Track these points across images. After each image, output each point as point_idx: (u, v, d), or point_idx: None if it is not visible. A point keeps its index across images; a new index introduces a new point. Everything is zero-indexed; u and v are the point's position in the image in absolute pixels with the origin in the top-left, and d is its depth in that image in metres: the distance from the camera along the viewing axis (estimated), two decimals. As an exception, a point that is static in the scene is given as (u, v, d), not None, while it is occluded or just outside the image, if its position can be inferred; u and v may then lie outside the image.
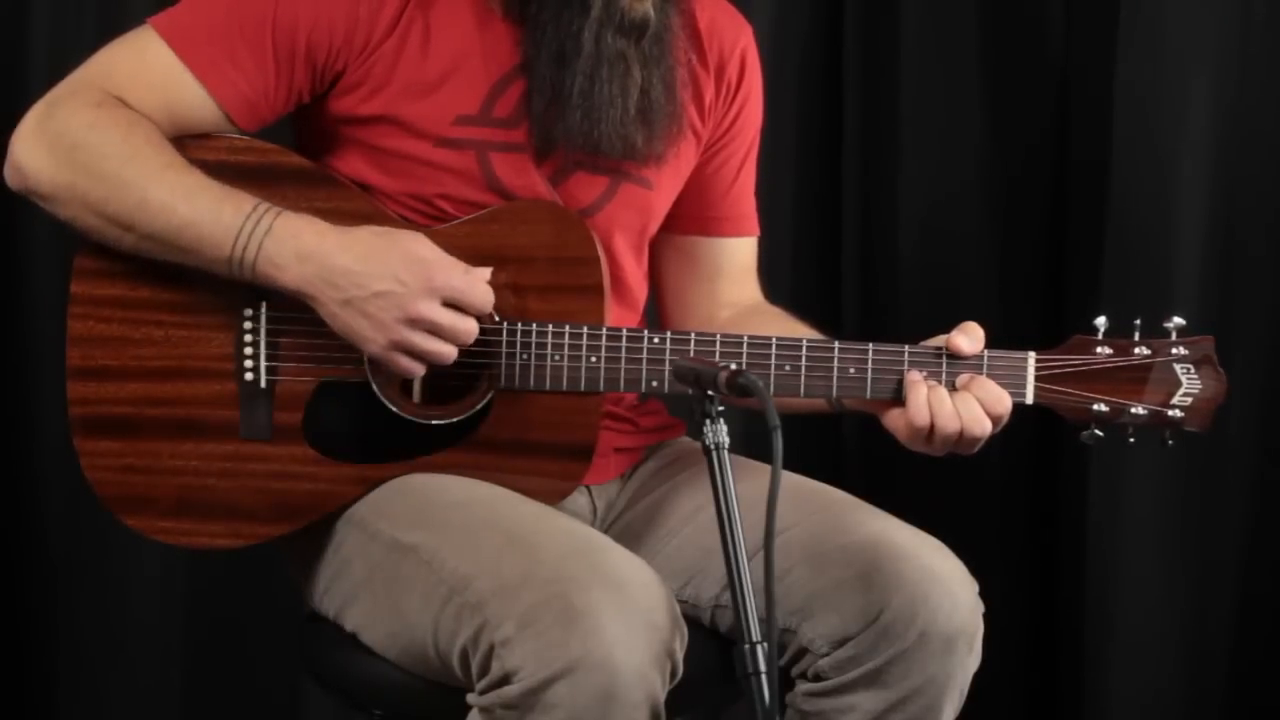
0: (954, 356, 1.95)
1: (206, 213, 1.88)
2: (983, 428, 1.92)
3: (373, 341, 1.89)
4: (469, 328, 1.90)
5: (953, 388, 1.94)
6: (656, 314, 2.22)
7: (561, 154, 2.00)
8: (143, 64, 1.95)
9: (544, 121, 1.98)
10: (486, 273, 1.92)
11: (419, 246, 1.90)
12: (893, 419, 1.96)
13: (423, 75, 1.97)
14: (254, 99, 1.95)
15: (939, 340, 1.96)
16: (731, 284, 2.20)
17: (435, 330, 1.89)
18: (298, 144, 2.03)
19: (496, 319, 1.95)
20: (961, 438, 1.92)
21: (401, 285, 1.88)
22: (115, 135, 1.89)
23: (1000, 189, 2.89)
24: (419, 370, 1.91)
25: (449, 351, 1.90)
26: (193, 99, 1.94)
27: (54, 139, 1.90)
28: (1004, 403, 1.93)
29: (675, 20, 2.03)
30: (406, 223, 1.97)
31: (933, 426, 1.91)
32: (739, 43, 2.14)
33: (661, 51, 2.01)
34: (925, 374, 1.94)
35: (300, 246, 1.88)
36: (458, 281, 1.90)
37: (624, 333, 1.95)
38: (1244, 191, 2.78)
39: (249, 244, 1.88)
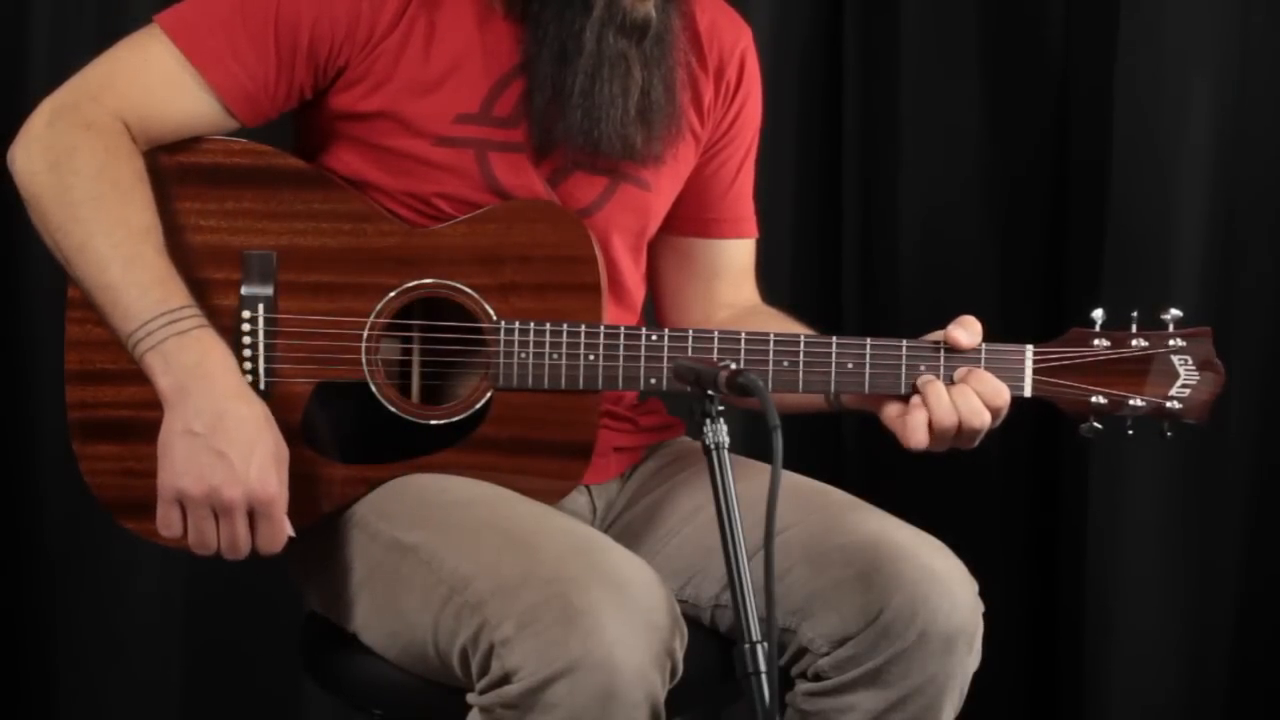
0: (952, 350, 1.95)
1: (134, 287, 1.86)
2: (981, 420, 1.92)
3: (169, 477, 1.84)
4: (242, 549, 1.87)
5: (950, 381, 1.94)
6: (654, 315, 2.22)
7: (560, 154, 2.00)
8: (145, 63, 1.95)
9: (544, 120, 1.98)
10: (288, 533, 1.88)
11: (277, 459, 1.86)
12: (890, 416, 1.96)
13: (424, 73, 1.97)
14: (255, 92, 1.95)
15: (937, 335, 1.96)
16: (729, 285, 2.20)
17: (221, 520, 1.85)
18: (298, 141, 2.04)
19: (495, 318, 1.95)
20: (960, 431, 1.92)
21: (243, 467, 1.84)
22: (90, 170, 1.88)
23: (1000, 189, 2.89)
24: (170, 532, 1.87)
25: (210, 544, 1.86)
26: (194, 94, 1.94)
27: (44, 148, 1.91)
28: (1002, 395, 1.93)
29: (676, 22, 2.03)
30: (403, 222, 1.97)
31: (930, 421, 1.91)
32: (739, 45, 2.14)
33: (662, 53, 2.01)
34: (924, 368, 1.94)
35: (200, 364, 1.85)
36: (279, 509, 1.86)
37: (622, 330, 1.96)
38: (1244, 191, 2.78)
39: (156, 332, 1.85)
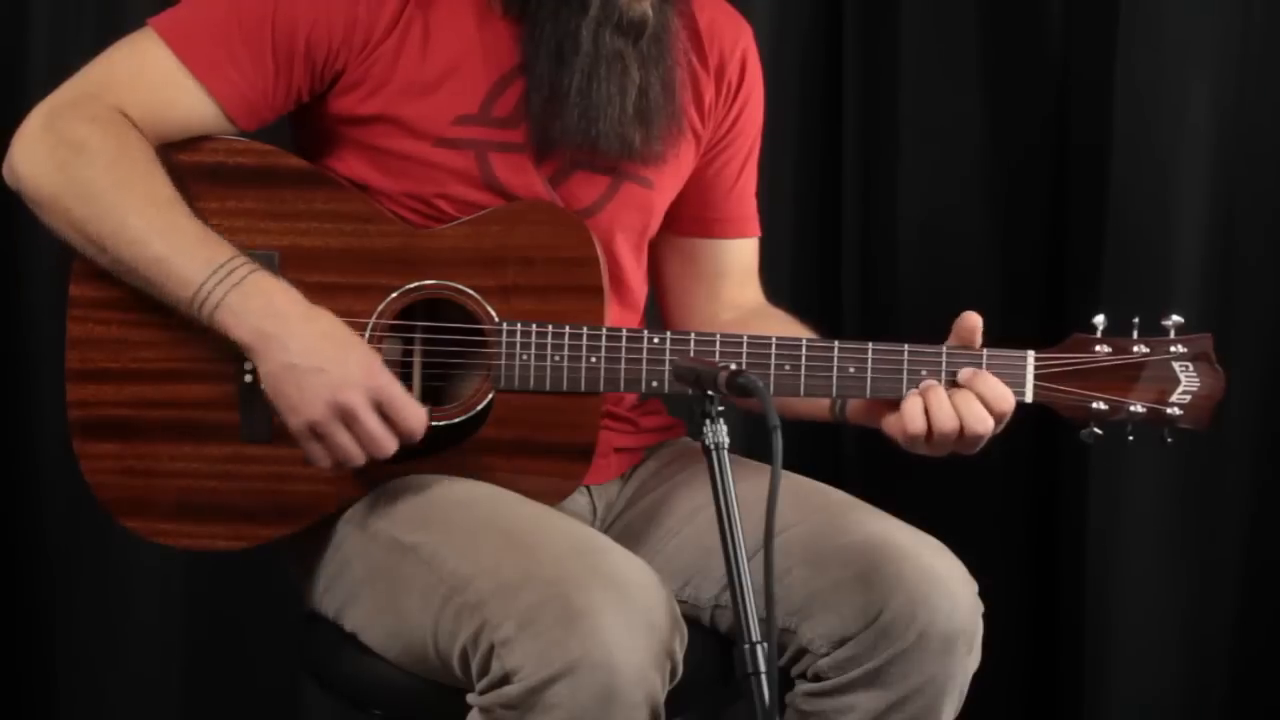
0: (957, 351, 1.94)
1: (180, 253, 1.88)
2: (985, 426, 1.91)
3: (295, 413, 1.88)
4: (386, 445, 1.89)
5: (953, 384, 1.94)
6: (659, 316, 2.22)
7: (561, 154, 2.00)
8: (142, 66, 1.95)
9: (542, 120, 1.98)
10: (425, 411, 1.90)
11: (373, 355, 1.90)
12: (890, 425, 1.96)
13: (422, 75, 1.97)
14: (253, 98, 1.95)
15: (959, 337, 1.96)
16: (734, 286, 2.20)
17: (355, 428, 1.87)
18: (296, 144, 2.03)
19: (496, 319, 1.95)
20: (962, 436, 1.92)
21: (345, 370, 1.87)
22: (106, 157, 1.89)
23: (1000, 188, 2.89)
24: (323, 462, 1.90)
25: (356, 455, 1.89)
26: (192, 99, 1.94)
27: (50, 148, 1.91)
28: (1007, 400, 1.92)
29: (674, 21, 2.03)
30: (406, 223, 1.97)
31: (930, 428, 1.91)
32: (739, 44, 2.14)
33: (660, 52, 2.01)
34: (926, 372, 1.94)
35: (269, 304, 1.87)
36: (398, 390, 1.89)
37: (624, 333, 1.95)
38: (1244, 190, 2.78)
39: (215, 290, 1.87)
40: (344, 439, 1.88)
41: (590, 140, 1.98)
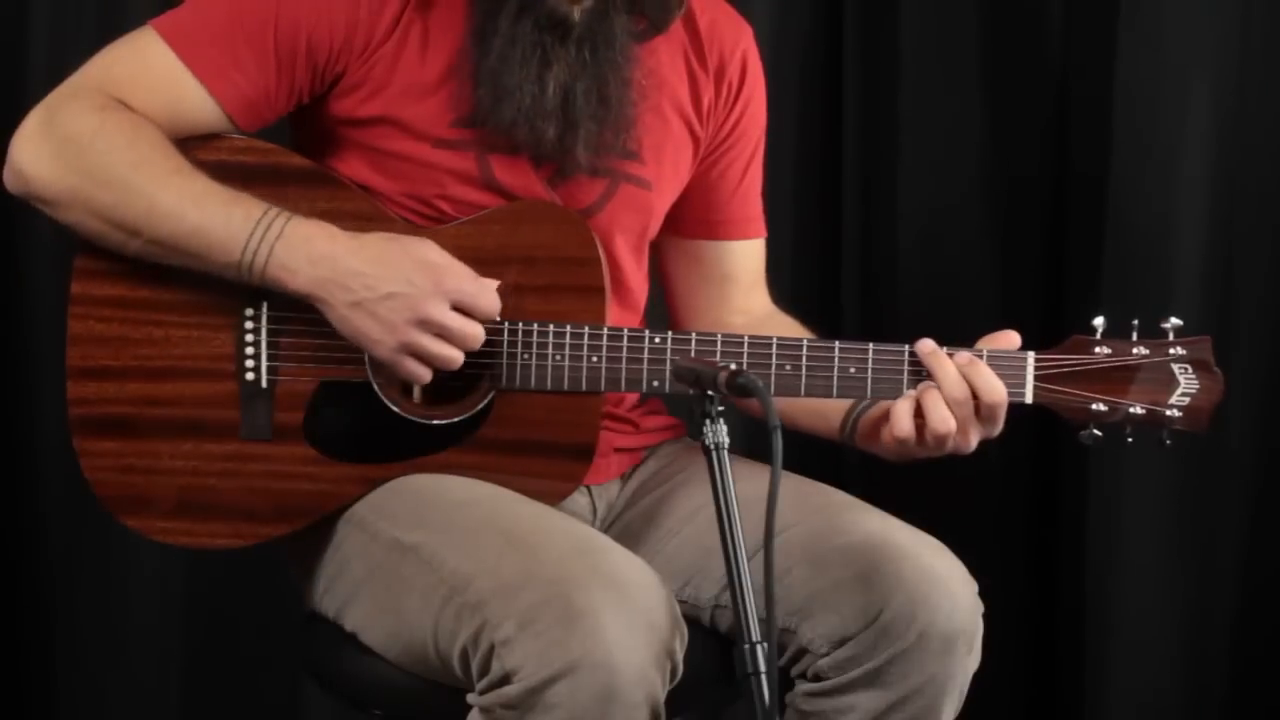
0: (956, 354, 1.95)
1: (216, 217, 1.88)
2: (963, 411, 1.91)
3: (381, 344, 1.89)
4: (476, 332, 1.91)
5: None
6: (668, 321, 2.21)
7: (555, 154, 1.99)
8: (143, 66, 1.95)
9: (471, 100, 1.97)
10: (494, 282, 1.92)
11: (429, 251, 1.91)
12: (885, 435, 1.96)
13: (421, 77, 1.97)
14: (255, 100, 1.95)
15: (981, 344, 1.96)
16: (741, 290, 2.20)
17: (443, 333, 1.90)
18: (296, 145, 2.03)
19: (497, 319, 1.95)
20: (955, 419, 1.91)
21: (412, 287, 1.88)
22: (121, 140, 1.89)
23: (1000, 190, 2.89)
24: (425, 376, 1.92)
25: (456, 356, 1.91)
26: (194, 100, 1.94)
27: (58, 143, 1.90)
28: (998, 391, 1.92)
29: (624, 39, 1.99)
30: (406, 224, 1.97)
31: (925, 426, 1.91)
32: (739, 44, 2.14)
33: (597, 64, 1.98)
34: (927, 373, 1.94)
35: (312, 251, 1.89)
36: (467, 285, 1.90)
37: (625, 332, 1.96)
38: (1244, 192, 2.78)
39: (260, 248, 1.88)
40: (438, 348, 1.90)
41: (502, 123, 1.96)
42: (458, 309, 1.90)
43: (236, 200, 1.90)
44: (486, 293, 1.92)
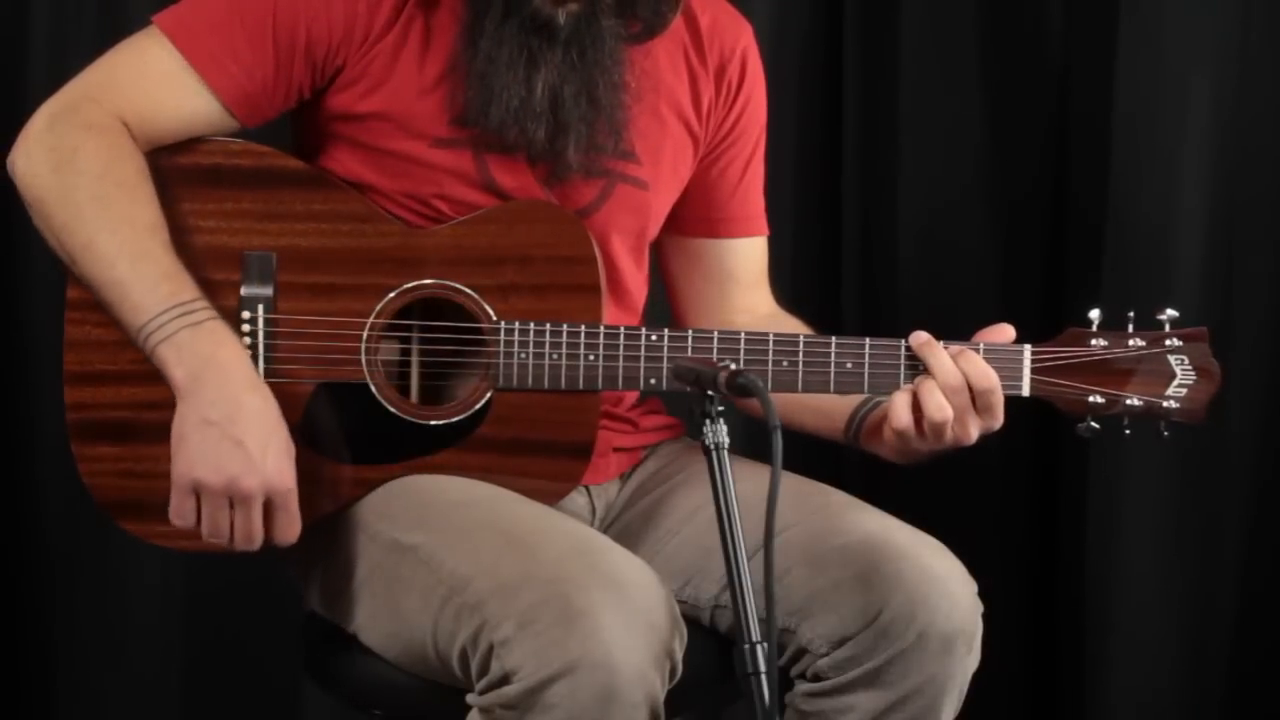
0: (952, 348, 1.95)
1: (144, 280, 1.86)
2: (960, 399, 1.91)
3: (190, 468, 1.84)
4: (254, 537, 1.86)
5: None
6: (672, 321, 2.21)
7: (547, 155, 1.99)
8: (144, 65, 1.95)
9: (463, 101, 1.97)
10: (298, 525, 1.88)
11: (291, 452, 1.87)
12: (885, 431, 1.96)
13: (420, 74, 1.97)
14: (254, 93, 1.96)
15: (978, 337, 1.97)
16: (744, 288, 2.20)
17: (237, 510, 1.85)
18: (295, 143, 2.04)
19: (494, 318, 1.95)
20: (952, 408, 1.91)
21: (260, 457, 1.84)
22: (96, 168, 1.89)
23: (1000, 189, 2.89)
24: (185, 522, 1.87)
25: (223, 534, 1.86)
26: (193, 95, 1.94)
27: (48, 150, 1.91)
28: (988, 377, 1.92)
29: (612, 42, 1.99)
30: (403, 223, 1.97)
31: (922, 417, 1.91)
32: (739, 43, 2.14)
33: (586, 67, 1.98)
34: (923, 367, 1.94)
35: (214, 355, 1.86)
36: (293, 502, 1.87)
37: (622, 330, 1.96)
38: (1244, 191, 2.78)
39: (168, 324, 1.86)
40: (221, 515, 1.85)
41: (493, 125, 1.96)
42: (266, 511, 1.86)
43: (173, 277, 1.87)
44: (295, 527, 1.88)
